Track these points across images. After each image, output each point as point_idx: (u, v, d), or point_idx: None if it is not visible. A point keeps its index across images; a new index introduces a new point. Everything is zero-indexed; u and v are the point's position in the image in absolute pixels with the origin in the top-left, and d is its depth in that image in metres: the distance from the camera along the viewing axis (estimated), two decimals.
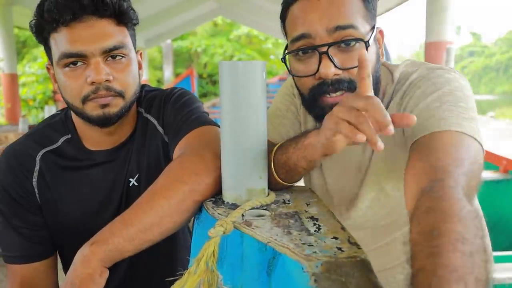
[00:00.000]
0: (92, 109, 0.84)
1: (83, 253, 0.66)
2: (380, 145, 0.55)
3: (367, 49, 0.74)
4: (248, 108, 0.66)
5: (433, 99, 0.73)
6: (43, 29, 0.83)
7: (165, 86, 14.30)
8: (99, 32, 0.82)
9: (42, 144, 0.93)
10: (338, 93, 0.76)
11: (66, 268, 1.01)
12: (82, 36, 0.81)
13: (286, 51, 0.81)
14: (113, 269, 0.70)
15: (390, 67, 0.86)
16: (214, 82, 20.23)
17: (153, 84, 17.64)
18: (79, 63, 0.82)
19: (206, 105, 10.96)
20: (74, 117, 0.94)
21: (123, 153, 0.94)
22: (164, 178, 0.73)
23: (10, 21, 8.41)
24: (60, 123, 0.96)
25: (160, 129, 0.95)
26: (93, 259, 0.65)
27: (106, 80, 0.82)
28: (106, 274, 0.67)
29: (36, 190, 0.91)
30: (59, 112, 1.00)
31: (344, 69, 0.75)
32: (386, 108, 0.82)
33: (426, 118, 0.70)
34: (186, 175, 0.72)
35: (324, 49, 0.74)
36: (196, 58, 21.20)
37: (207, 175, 0.72)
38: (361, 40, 0.74)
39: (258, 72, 0.66)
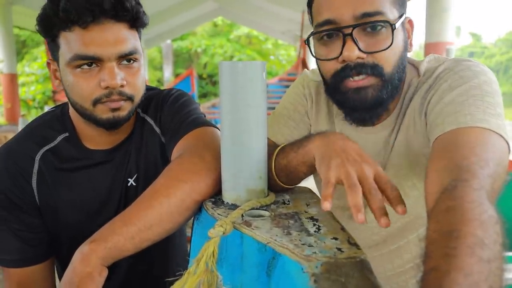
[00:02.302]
0: (102, 112, 0.84)
1: (82, 251, 0.66)
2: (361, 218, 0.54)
3: (393, 33, 0.73)
4: (248, 109, 0.66)
5: (459, 92, 0.71)
6: (53, 26, 0.81)
7: (165, 86, 14.30)
8: (116, 36, 0.81)
9: (40, 143, 0.91)
10: (361, 77, 0.75)
11: (63, 270, 0.99)
12: (99, 39, 0.80)
13: (310, 34, 0.81)
14: (111, 272, 0.69)
15: (415, 62, 0.85)
16: (214, 83, 20.23)
17: (153, 84, 17.61)
18: (93, 65, 0.81)
19: (205, 105, 10.96)
20: (72, 114, 0.93)
21: (121, 153, 0.94)
22: (164, 177, 0.73)
23: (10, 21, 8.41)
24: (56, 120, 0.94)
25: (157, 129, 0.95)
26: (92, 257, 0.65)
27: (120, 85, 0.82)
28: (105, 273, 0.66)
29: (35, 191, 0.90)
30: (53, 108, 0.98)
31: (368, 53, 0.74)
32: (410, 100, 0.81)
33: (451, 113, 0.69)
34: (186, 174, 0.72)
35: (349, 31, 0.73)
36: (196, 58, 21.20)
37: (207, 175, 0.72)
38: (387, 22, 0.73)
39: (258, 72, 0.66)
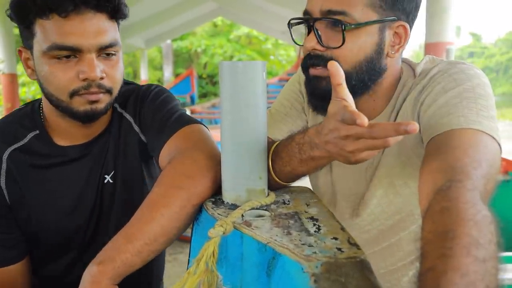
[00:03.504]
0: (79, 104, 0.82)
1: (91, 273, 0.64)
2: (391, 140, 0.53)
3: (343, 32, 0.74)
4: (248, 109, 0.66)
5: (453, 95, 0.72)
6: (28, 12, 0.79)
7: (165, 86, 14.29)
8: (96, 28, 0.79)
9: (8, 142, 0.89)
10: (318, 68, 0.78)
11: (38, 269, 0.96)
12: (79, 29, 0.78)
13: (290, 20, 0.84)
14: None
15: (412, 64, 0.86)
16: (214, 83, 20.23)
17: None
18: (71, 56, 0.79)
19: (205, 105, 10.96)
20: (46, 108, 0.90)
21: (98, 147, 0.92)
22: (159, 186, 0.72)
23: (9, 21, 8.38)
24: (26, 117, 0.92)
25: (136, 128, 0.93)
26: (103, 279, 0.64)
27: (100, 78, 0.81)
28: None
29: (5, 192, 0.88)
30: (23, 106, 0.96)
31: (326, 47, 0.76)
32: (403, 100, 0.82)
33: (445, 115, 0.70)
34: (181, 180, 0.71)
35: (311, 23, 0.77)
36: (196, 58, 21.20)
37: (202, 177, 0.72)
38: (338, 21, 0.74)
39: (258, 72, 0.66)
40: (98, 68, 0.80)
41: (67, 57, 0.79)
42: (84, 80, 0.80)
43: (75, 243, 0.94)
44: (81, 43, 0.78)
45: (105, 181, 0.92)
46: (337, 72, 0.59)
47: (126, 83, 0.99)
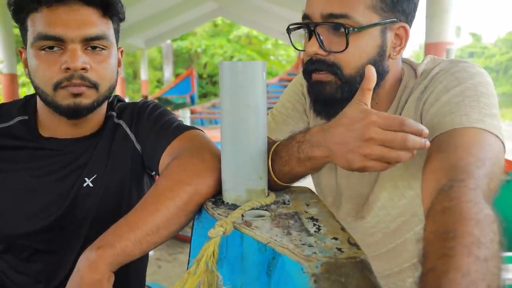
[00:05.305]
0: (63, 97, 0.82)
1: (89, 258, 0.64)
2: (404, 156, 0.57)
3: (347, 36, 0.73)
4: (248, 109, 0.66)
5: (455, 93, 0.71)
6: (22, 9, 0.81)
7: (165, 86, 14.29)
8: (82, 19, 0.80)
9: None
10: (321, 72, 0.77)
11: None
12: (64, 19, 0.79)
13: (289, 25, 0.84)
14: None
15: (413, 64, 0.85)
16: (214, 83, 20.22)
17: (153, 84, 17.55)
18: (55, 48, 0.80)
19: (205, 105, 10.97)
20: (38, 102, 0.91)
21: (82, 147, 0.90)
22: (166, 179, 0.73)
23: (9, 21, 8.40)
24: (22, 104, 0.93)
25: (131, 135, 0.92)
26: (101, 264, 0.63)
27: (83, 69, 0.81)
28: (113, 278, 0.65)
29: None
30: (30, 94, 0.96)
31: (328, 51, 0.76)
32: (406, 101, 0.82)
33: (447, 114, 0.69)
34: (189, 177, 0.72)
35: (313, 27, 0.77)
36: (196, 58, 21.19)
37: (209, 176, 0.72)
38: (341, 25, 0.73)
39: (258, 72, 0.66)
40: (80, 58, 0.80)
41: (51, 47, 0.80)
42: (67, 70, 0.80)
43: (32, 239, 0.88)
44: (65, 33, 0.79)
45: (84, 184, 0.88)
46: (372, 77, 0.61)
47: (123, 101, 1.00)
